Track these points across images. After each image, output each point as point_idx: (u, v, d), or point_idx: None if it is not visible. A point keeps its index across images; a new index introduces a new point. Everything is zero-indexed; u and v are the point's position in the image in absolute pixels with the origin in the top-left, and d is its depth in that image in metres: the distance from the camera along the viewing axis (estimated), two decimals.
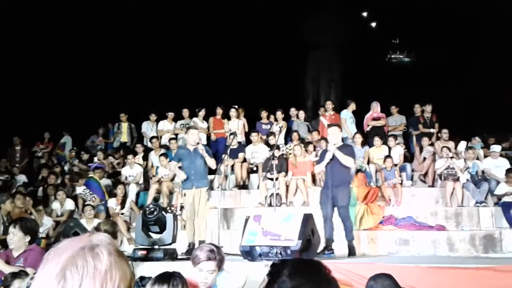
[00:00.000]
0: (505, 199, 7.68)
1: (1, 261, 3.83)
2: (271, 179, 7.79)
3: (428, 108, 10.04)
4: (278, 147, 8.55)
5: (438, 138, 9.46)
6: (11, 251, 3.94)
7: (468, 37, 13.92)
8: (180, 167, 6.69)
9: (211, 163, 6.60)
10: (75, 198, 8.52)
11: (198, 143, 6.55)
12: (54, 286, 0.88)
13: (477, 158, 8.74)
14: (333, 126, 6.71)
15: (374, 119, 10.14)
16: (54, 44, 13.12)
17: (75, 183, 8.99)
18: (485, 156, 8.91)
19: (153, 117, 10.83)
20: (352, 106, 10.24)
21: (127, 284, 0.94)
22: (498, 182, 8.01)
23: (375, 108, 10.22)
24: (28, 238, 3.91)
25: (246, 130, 10.11)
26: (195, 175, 6.41)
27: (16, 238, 3.87)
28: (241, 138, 9.95)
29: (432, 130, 9.72)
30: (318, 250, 5.91)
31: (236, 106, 10.34)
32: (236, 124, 10.14)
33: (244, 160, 9.13)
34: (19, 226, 3.90)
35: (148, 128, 10.82)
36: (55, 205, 8.29)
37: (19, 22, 12.56)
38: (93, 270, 0.90)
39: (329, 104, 10.47)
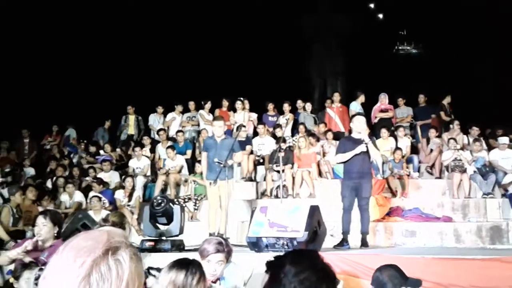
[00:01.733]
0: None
1: (19, 250, 3.71)
2: (278, 171, 7.81)
3: (448, 98, 10.02)
4: (284, 140, 8.56)
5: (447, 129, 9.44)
6: (42, 242, 3.82)
7: (476, 28, 13.78)
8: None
9: (239, 156, 6.73)
10: (84, 190, 8.60)
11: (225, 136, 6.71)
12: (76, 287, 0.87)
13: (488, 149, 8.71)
14: (359, 115, 6.69)
15: (382, 110, 10.11)
16: (62, 37, 13.18)
17: (85, 177, 9.06)
18: (492, 148, 8.86)
19: (160, 109, 10.88)
20: (361, 98, 10.21)
21: (141, 285, 0.96)
22: (505, 174, 7.97)
23: (383, 100, 10.18)
24: (56, 229, 3.86)
25: (256, 124, 9.99)
26: (218, 166, 6.39)
27: (46, 229, 3.79)
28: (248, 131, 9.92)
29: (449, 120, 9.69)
30: (336, 243, 5.97)
31: (242, 98, 10.34)
32: (242, 116, 10.15)
33: (251, 152, 9.15)
34: (49, 217, 3.84)
35: (155, 120, 10.86)
36: (64, 197, 8.37)
37: (27, 16, 12.62)
38: (116, 279, 0.90)
39: (336, 96, 10.45)
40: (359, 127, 6.20)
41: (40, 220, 3.86)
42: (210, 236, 3.95)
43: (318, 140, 9.09)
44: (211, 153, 6.56)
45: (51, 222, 3.83)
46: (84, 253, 0.90)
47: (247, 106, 10.28)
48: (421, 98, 10.33)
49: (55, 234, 3.86)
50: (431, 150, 9.04)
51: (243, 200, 8.02)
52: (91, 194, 8.10)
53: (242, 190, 8.41)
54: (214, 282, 3.26)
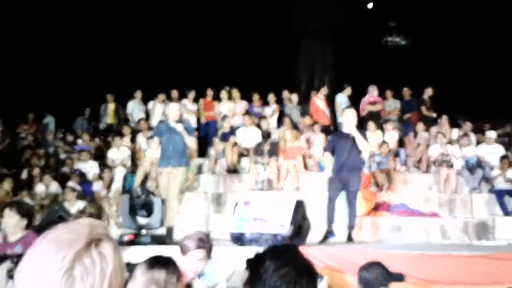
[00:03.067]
0: (499, 186, 7.60)
1: None
2: (262, 163, 7.64)
3: (429, 91, 9.88)
4: (269, 135, 8.40)
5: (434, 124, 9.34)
6: (7, 235, 3.78)
7: (466, 20, 13.72)
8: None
9: (190, 141, 6.12)
10: (60, 180, 8.30)
11: (179, 121, 6.07)
12: (58, 281, 0.85)
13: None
14: (348, 108, 6.55)
15: (371, 103, 9.98)
16: (39, 24, 12.74)
17: (62, 168, 8.79)
18: (480, 142, 8.81)
19: (138, 93, 10.43)
20: (348, 91, 10.05)
21: (123, 279, 0.95)
22: (492, 169, 7.93)
23: (372, 92, 10.05)
24: (24, 222, 3.75)
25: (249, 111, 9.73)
26: (172, 152, 5.92)
27: (13, 222, 3.70)
28: (232, 121, 9.70)
29: (434, 115, 9.58)
30: (321, 238, 5.83)
31: (228, 88, 10.10)
32: (227, 107, 9.92)
33: (235, 143, 8.95)
34: (16, 209, 3.76)
35: (134, 108, 10.50)
36: (39, 188, 8.07)
37: (5, 2, 12.16)
38: (100, 272, 0.88)
39: (324, 90, 10.26)
40: (349, 122, 6.08)
41: (7, 212, 3.77)
42: (191, 232, 3.77)
43: (301, 133, 8.94)
44: (164, 139, 5.98)
45: (18, 214, 3.73)
46: (65, 245, 0.88)
47: (236, 95, 10.00)
48: (406, 92, 10.21)
49: (23, 227, 3.77)
50: (419, 144, 8.96)
51: (222, 192, 7.85)
52: (69, 184, 7.82)
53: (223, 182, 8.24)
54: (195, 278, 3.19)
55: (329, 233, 5.92)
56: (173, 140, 5.94)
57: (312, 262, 1.40)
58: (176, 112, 6.08)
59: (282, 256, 1.34)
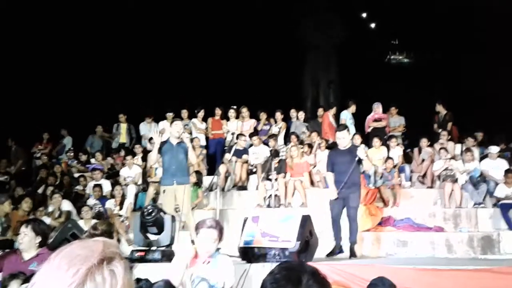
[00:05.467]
0: (504, 200, 7.67)
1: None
2: (270, 179, 7.79)
3: (439, 107, 9.99)
4: (277, 153, 8.55)
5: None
6: (21, 252, 3.86)
7: (468, 37, 13.92)
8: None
9: (193, 156, 6.32)
10: (73, 199, 8.49)
11: (181, 136, 6.26)
12: None
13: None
14: (339, 131, 6.56)
15: (376, 120, 10.13)
16: (53, 43, 13.09)
17: (76, 186, 8.98)
18: (483, 158, 8.90)
19: (148, 119, 10.81)
20: (353, 108, 10.23)
21: None
22: (496, 184, 8.01)
23: (377, 109, 10.21)
24: (39, 239, 3.84)
25: (257, 128, 9.93)
26: (176, 170, 6.09)
27: (27, 239, 3.79)
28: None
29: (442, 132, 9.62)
30: (329, 254, 5.97)
31: (235, 107, 10.33)
32: (235, 125, 10.13)
33: (246, 161, 9.13)
34: (31, 226, 3.84)
35: (145, 129, 10.79)
36: (52, 208, 8.24)
37: (17, 21, 12.54)
38: None
39: (333, 111, 10.41)
40: (341, 144, 6.25)
41: (22, 229, 3.88)
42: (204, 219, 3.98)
43: (311, 150, 9.06)
44: (167, 157, 6.18)
45: (33, 232, 3.83)
46: (78, 261, 0.88)
47: (246, 114, 10.21)
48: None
49: (37, 244, 3.87)
50: (423, 160, 9.07)
51: (232, 209, 7.99)
52: (90, 201, 8.01)
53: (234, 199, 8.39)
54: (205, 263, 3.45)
55: (337, 250, 6.04)
56: (176, 158, 6.12)
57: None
58: (179, 127, 6.26)
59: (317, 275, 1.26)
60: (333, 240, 6.19)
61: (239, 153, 9.04)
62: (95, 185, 8.45)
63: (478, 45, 13.45)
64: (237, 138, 9.31)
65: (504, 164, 8.32)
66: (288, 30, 13.83)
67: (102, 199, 8.24)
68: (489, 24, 12.60)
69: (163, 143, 6.32)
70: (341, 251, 6.05)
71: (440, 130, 9.61)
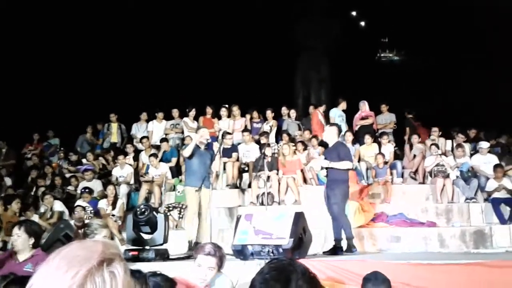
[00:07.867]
0: (495, 195, 7.74)
1: None
2: (263, 177, 7.78)
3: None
4: (269, 145, 8.56)
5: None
6: (15, 254, 3.84)
7: (458, 36, 14.03)
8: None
9: (216, 163, 6.93)
10: (65, 199, 8.42)
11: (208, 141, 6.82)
12: None
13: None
14: (330, 126, 6.84)
15: (363, 118, 10.21)
16: (44, 44, 13.00)
17: (67, 187, 8.90)
18: (473, 154, 8.98)
19: (144, 116, 10.73)
20: (343, 105, 10.27)
21: None
22: (487, 178, 8.08)
23: (363, 107, 10.30)
24: (32, 241, 3.83)
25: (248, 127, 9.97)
26: (204, 174, 6.58)
27: (21, 240, 3.77)
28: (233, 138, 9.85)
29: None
30: (328, 252, 6.01)
31: (227, 105, 10.31)
32: (227, 124, 10.11)
33: (237, 159, 9.11)
34: (24, 228, 3.83)
35: (136, 129, 10.72)
36: (44, 208, 8.18)
37: (5, 22, 12.40)
38: None
39: (322, 108, 10.47)
40: (328, 139, 6.49)
41: (15, 231, 3.86)
42: (204, 243, 3.93)
43: (306, 147, 9.08)
44: (196, 161, 6.68)
45: (25, 233, 3.81)
46: (77, 262, 0.87)
47: (236, 112, 10.21)
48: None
49: (30, 245, 3.84)
50: (414, 156, 9.13)
51: (225, 207, 7.98)
52: (78, 203, 7.93)
53: (225, 197, 8.37)
54: None
55: (337, 249, 6.07)
56: (204, 163, 6.60)
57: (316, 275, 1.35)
58: (207, 135, 6.84)
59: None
60: (328, 237, 6.20)
61: (227, 152, 9.01)
62: (83, 189, 8.37)
63: (471, 43, 13.58)
64: (222, 137, 9.30)
65: (494, 159, 8.40)
66: (280, 29, 13.85)
67: (92, 201, 8.17)
68: (480, 21, 12.72)
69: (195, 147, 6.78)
70: (341, 250, 6.06)
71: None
